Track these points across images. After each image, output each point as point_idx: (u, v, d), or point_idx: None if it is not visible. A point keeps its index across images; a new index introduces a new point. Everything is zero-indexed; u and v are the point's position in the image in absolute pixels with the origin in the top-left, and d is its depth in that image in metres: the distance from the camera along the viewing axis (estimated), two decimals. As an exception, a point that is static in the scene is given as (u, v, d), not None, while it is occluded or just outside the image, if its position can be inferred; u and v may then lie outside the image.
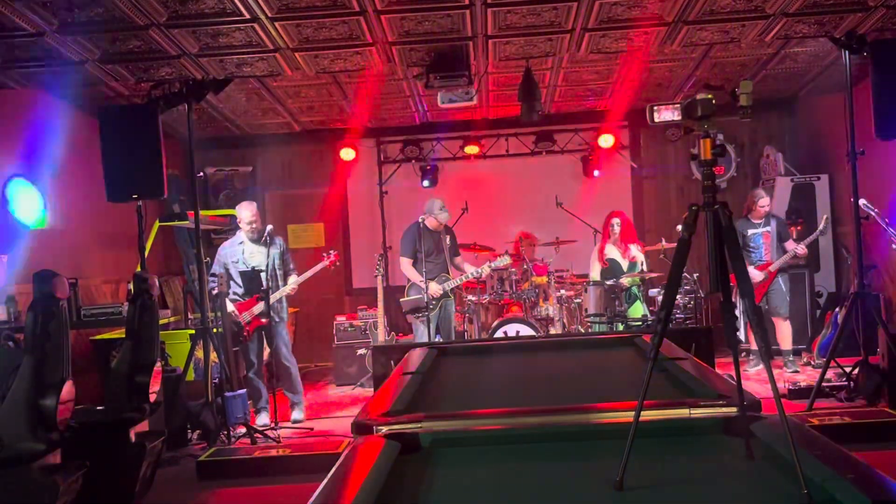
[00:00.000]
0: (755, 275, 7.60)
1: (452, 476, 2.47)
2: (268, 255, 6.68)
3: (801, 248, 7.60)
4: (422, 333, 7.46)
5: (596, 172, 9.75)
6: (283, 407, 6.79)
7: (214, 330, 6.42)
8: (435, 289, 7.40)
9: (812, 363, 7.98)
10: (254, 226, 6.77)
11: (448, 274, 7.58)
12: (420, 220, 7.50)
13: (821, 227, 7.52)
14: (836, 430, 5.08)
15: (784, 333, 7.81)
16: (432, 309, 7.42)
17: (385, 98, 8.38)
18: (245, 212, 6.79)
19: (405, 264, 7.62)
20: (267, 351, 6.93)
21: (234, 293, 6.77)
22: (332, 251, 7.11)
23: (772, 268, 7.62)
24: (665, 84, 8.35)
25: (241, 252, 6.80)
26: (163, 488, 4.99)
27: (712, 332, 5.13)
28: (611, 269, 7.87)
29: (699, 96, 2.58)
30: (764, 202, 7.83)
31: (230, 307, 6.69)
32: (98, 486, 4.17)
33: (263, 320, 6.59)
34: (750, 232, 7.82)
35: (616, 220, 7.93)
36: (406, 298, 7.67)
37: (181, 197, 9.06)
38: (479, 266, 7.70)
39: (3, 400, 3.70)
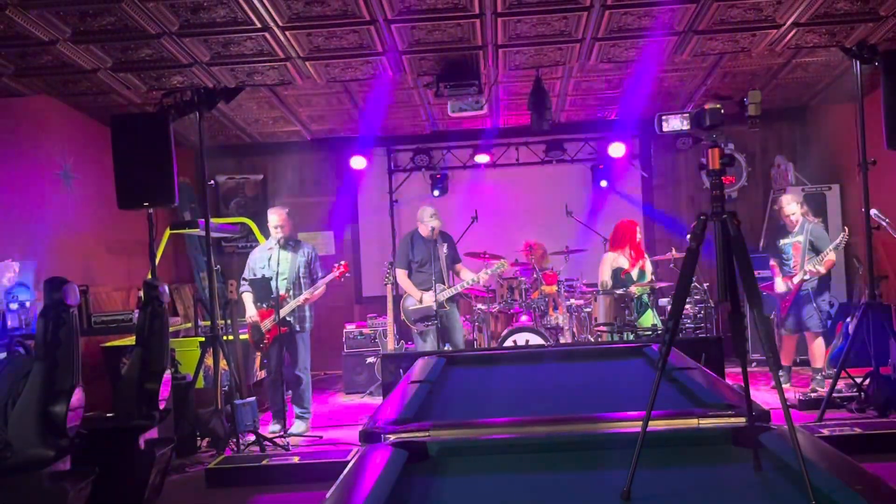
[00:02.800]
0: (778, 286, 7.37)
1: (460, 485, 2.47)
2: (292, 262, 6.69)
3: (812, 268, 7.12)
4: (421, 346, 7.34)
5: (605, 182, 9.74)
6: (294, 416, 6.79)
7: (225, 337, 6.43)
8: (427, 299, 7.23)
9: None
10: (279, 231, 6.73)
11: (444, 283, 7.32)
12: (414, 230, 7.48)
13: (837, 241, 7.07)
14: (846, 442, 5.05)
15: (815, 350, 7.29)
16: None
17: (395, 107, 8.40)
18: (272, 216, 6.79)
19: (400, 275, 7.49)
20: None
21: None
22: (341, 262, 6.91)
23: (795, 279, 7.22)
24: (675, 93, 8.34)
25: (268, 258, 6.77)
26: (172, 495, 5.00)
27: (722, 342, 5.11)
28: (619, 277, 7.82)
29: (707, 106, 2.58)
30: (790, 209, 7.29)
31: (252, 312, 6.72)
32: (107, 493, 4.18)
33: (282, 329, 6.57)
34: (781, 242, 7.41)
35: (626, 229, 7.86)
36: (408, 308, 7.56)
37: (192, 205, 9.14)
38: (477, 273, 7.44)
39: (13, 406, 3.72)
